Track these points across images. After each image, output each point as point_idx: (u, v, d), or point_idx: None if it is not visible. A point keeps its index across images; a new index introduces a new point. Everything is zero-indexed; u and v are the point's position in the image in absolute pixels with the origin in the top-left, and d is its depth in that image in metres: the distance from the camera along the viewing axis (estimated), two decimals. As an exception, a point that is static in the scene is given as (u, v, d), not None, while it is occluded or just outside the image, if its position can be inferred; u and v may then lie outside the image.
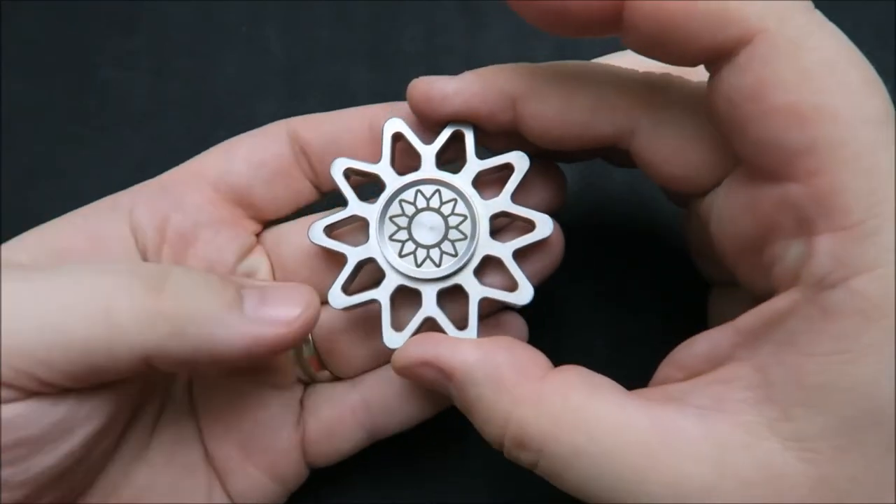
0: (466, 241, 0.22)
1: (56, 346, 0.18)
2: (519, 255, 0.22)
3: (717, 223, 0.20)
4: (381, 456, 0.26)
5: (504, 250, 0.22)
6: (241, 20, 0.33)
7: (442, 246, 0.22)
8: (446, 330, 0.22)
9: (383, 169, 0.23)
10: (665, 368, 0.20)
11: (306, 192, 0.25)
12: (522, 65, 0.22)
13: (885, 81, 0.17)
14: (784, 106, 0.16)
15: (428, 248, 0.22)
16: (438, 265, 0.22)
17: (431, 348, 0.20)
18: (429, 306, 0.22)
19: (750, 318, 0.18)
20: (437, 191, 0.23)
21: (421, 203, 0.23)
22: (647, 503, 0.17)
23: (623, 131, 0.21)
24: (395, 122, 0.23)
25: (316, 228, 0.23)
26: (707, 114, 0.19)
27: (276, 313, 0.20)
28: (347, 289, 0.23)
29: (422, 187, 0.23)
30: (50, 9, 0.33)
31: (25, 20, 0.33)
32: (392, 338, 0.22)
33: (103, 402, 0.20)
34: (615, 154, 0.23)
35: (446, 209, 0.23)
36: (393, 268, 0.22)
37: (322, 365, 0.25)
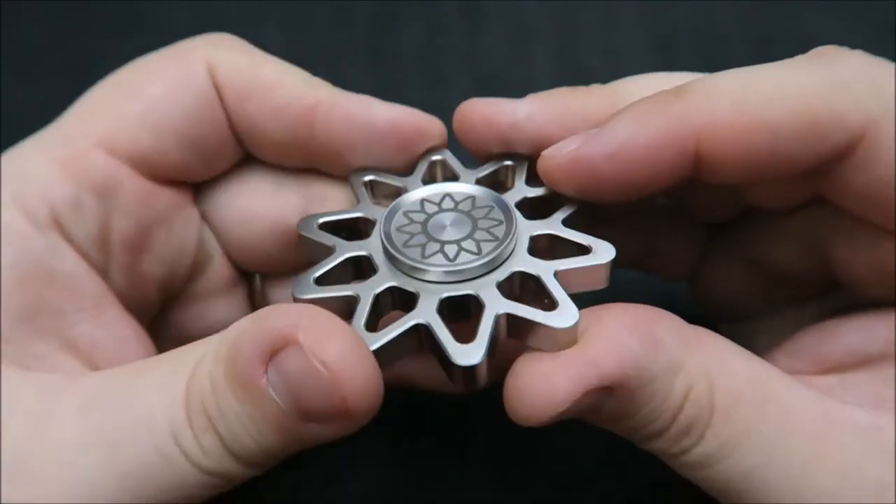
0: (496, 243, 0.17)
1: None
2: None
3: (848, 248, 0.18)
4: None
5: (545, 268, 0.17)
6: (241, 20, 0.33)
7: (462, 243, 0.17)
8: (443, 342, 0.15)
9: (413, 182, 0.19)
10: (787, 360, 0.18)
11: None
12: (596, 86, 0.19)
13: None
14: None
15: (443, 243, 0.17)
16: (452, 261, 0.17)
17: (581, 365, 0.15)
18: (424, 311, 0.16)
19: None
20: (471, 198, 0.18)
21: (447, 204, 0.18)
22: (812, 501, 0.15)
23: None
24: (441, 152, 0.20)
25: (308, 222, 0.18)
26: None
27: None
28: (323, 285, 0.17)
29: (453, 191, 0.18)
30: (51, 10, 0.33)
31: (26, 22, 0.33)
32: (363, 338, 0.16)
33: None
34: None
35: (478, 213, 0.18)
36: (389, 259, 0.17)
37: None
